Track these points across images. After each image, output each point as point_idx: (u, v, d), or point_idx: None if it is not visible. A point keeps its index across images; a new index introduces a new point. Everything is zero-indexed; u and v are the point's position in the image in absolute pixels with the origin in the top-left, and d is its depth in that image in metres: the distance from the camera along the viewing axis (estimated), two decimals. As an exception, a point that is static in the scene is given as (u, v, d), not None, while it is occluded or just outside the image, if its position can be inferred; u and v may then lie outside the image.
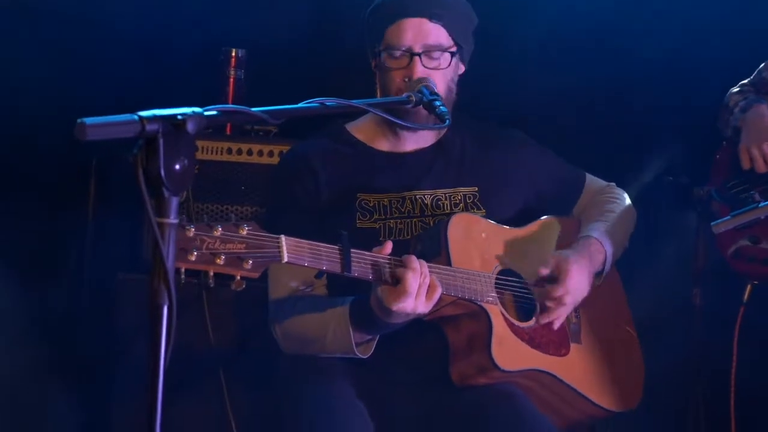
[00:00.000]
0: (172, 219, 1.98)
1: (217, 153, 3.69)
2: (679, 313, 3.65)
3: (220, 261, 2.34)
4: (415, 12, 2.88)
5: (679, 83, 3.99)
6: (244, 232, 2.37)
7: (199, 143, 3.65)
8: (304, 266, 2.52)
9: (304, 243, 2.51)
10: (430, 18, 2.88)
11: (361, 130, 3.01)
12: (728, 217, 3.30)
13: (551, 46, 4.09)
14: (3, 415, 3.72)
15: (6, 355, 3.64)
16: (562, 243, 3.00)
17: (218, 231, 2.34)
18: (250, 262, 2.37)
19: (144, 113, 1.94)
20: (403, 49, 2.87)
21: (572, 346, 2.93)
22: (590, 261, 2.91)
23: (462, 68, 2.98)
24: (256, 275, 2.40)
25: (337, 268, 2.56)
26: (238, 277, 2.38)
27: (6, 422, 3.72)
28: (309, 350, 2.80)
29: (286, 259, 2.46)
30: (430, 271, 2.63)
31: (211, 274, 2.34)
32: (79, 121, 1.86)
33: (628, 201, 3.15)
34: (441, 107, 2.69)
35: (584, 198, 3.13)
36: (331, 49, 4.08)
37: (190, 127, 1.98)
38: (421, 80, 2.79)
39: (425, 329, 2.77)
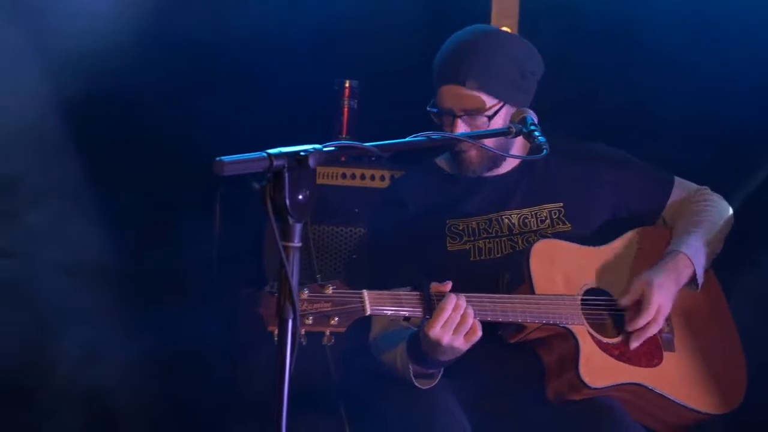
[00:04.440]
0: (296, 243, 2.25)
1: (332, 178, 3.94)
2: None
3: (309, 321, 2.58)
4: (451, 80, 3.11)
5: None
6: (329, 291, 2.61)
7: (317, 169, 3.88)
8: (387, 315, 2.75)
9: (386, 294, 2.73)
10: (466, 86, 3.08)
11: (447, 161, 3.26)
12: None
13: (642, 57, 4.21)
14: (136, 417, 3.98)
15: (139, 365, 3.92)
16: (650, 255, 3.12)
17: (305, 294, 2.57)
18: (336, 318, 2.60)
19: (272, 151, 2.21)
20: (446, 111, 3.12)
21: (665, 355, 3.05)
22: (677, 278, 3.05)
23: (524, 111, 3.02)
24: (342, 329, 2.62)
25: (418, 314, 2.79)
26: (327, 333, 2.61)
27: (138, 419, 3.99)
28: (400, 380, 2.99)
29: (369, 312, 2.68)
30: (504, 304, 2.84)
31: (303, 332, 2.56)
32: (217, 159, 2.14)
33: (721, 204, 3.24)
34: (539, 137, 2.87)
35: (674, 203, 3.24)
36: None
37: (311, 162, 2.24)
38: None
39: (522, 349, 2.98)
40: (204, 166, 4.03)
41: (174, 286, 3.98)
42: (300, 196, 2.23)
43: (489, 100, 3.10)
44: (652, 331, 3.00)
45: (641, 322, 2.98)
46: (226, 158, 2.15)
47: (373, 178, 3.96)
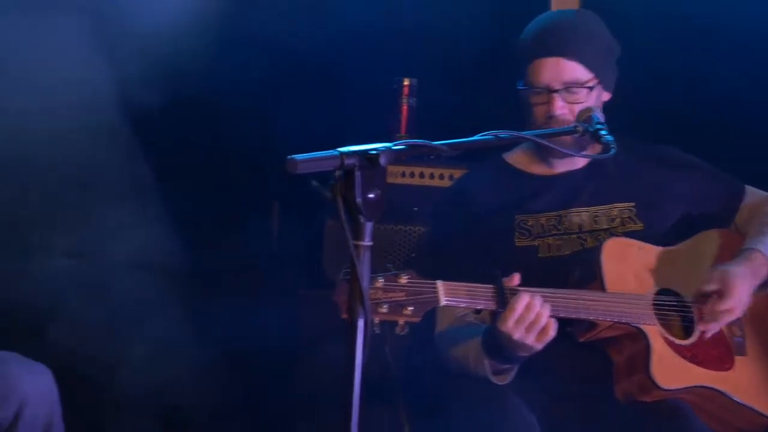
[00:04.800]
0: (367, 242, 2.22)
1: (392, 176, 3.93)
2: None
3: (384, 309, 2.55)
4: (552, 52, 3.04)
5: None
6: (404, 281, 2.58)
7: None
8: (461, 307, 2.74)
9: (460, 285, 2.70)
10: (567, 56, 3.04)
11: (516, 158, 3.22)
12: None
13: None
14: (202, 413, 4.00)
15: (206, 363, 3.93)
16: (722, 256, 3.07)
17: (380, 282, 2.55)
18: (410, 308, 2.57)
19: (343, 149, 2.19)
20: (542, 86, 3.04)
21: (736, 359, 3.01)
22: (753, 273, 2.99)
23: (606, 96, 3.13)
24: (417, 319, 2.59)
25: (492, 306, 2.75)
26: (401, 322, 2.59)
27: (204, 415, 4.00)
28: (468, 375, 2.97)
29: (443, 303, 2.65)
30: (577, 300, 2.80)
31: (377, 321, 2.55)
32: (289, 157, 2.13)
33: None
34: (606, 136, 2.83)
35: (745, 209, 3.19)
36: (495, 78, 4.24)
37: (382, 160, 2.22)
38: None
39: (591, 348, 2.94)
40: (261, 166, 4.11)
41: (238, 285, 3.99)
42: (371, 195, 2.20)
43: (587, 74, 3.06)
44: (728, 319, 2.95)
45: (726, 304, 2.92)
46: (298, 156, 2.13)
47: (432, 176, 3.94)
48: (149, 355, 3.84)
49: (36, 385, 3.00)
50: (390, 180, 3.91)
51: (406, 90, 4.04)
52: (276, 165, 4.13)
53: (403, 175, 3.94)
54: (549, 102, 3.04)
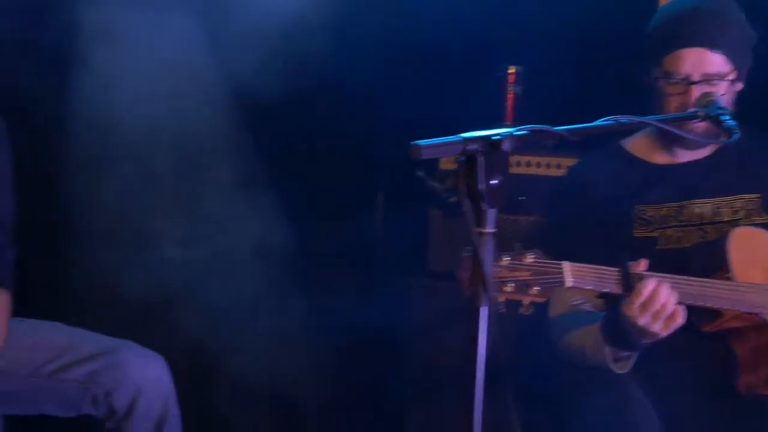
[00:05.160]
0: (490, 229, 2.21)
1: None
2: None
3: (509, 289, 2.52)
4: (695, 42, 2.96)
5: None
6: (529, 260, 2.54)
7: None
8: (587, 289, 2.67)
9: (586, 267, 2.64)
10: (711, 48, 2.96)
11: (635, 145, 3.15)
12: None
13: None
14: (320, 400, 4.01)
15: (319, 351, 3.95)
16: None
17: (506, 261, 2.52)
18: (536, 288, 2.53)
19: (466, 135, 2.17)
20: (681, 77, 2.97)
21: None
22: None
23: (740, 86, 3.05)
24: (542, 300, 2.55)
25: (618, 290, 2.69)
26: (526, 302, 2.54)
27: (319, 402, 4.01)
28: (582, 364, 2.94)
29: (569, 284, 2.60)
30: (705, 287, 2.75)
31: (502, 300, 2.52)
32: (412, 143, 2.11)
33: None
34: (729, 121, 2.78)
35: None
36: (597, 66, 4.19)
37: (505, 146, 2.20)
38: (708, 95, 2.88)
39: (713, 338, 2.87)
40: (368, 157, 4.12)
41: (345, 275, 4.00)
42: (494, 181, 2.19)
43: (729, 66, 2.99)
44: None
45: None
46: (422, 142, 2.12)
47: (539, 165, 3.89)
48: (264, 343, 3.87)
49: (151, 374, 3.04)
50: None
51: (511, 78, 4.00)
52: (381, 155, 4.16)
53: (509, 164, 3.89)
54: (686, 93, 2.96)
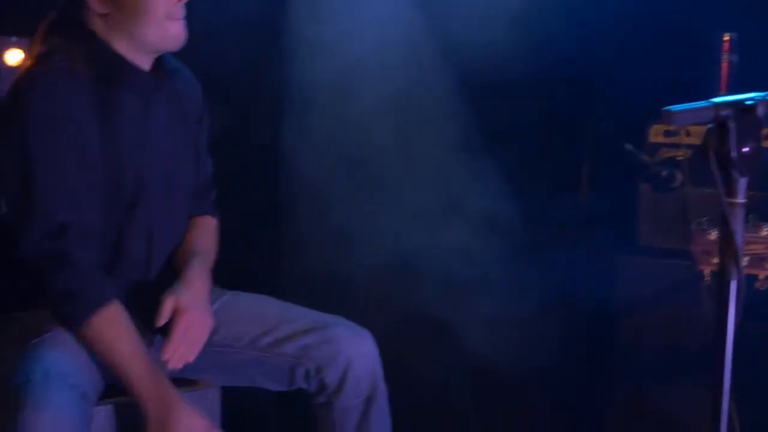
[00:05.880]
0: (741, 199, 2.11)
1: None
2: None
3: (744, 263, 2.40)
4: None
5: None
6: (765, 233, 2.45)
7: (693, 129, 3.73)
8: None
9: None
10: None
11: None
12: None
13: None
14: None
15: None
16: None
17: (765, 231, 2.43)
18: None
19: (717, 99, 2.07)
20: None
21: None
22: None
23: None
24: None
25: None
26: (761, 277, 2.45)
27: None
28: None
29: None
30: None
31: None
32: (664, 109, 2.03)
33: None
34: None
35: None
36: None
37: (760, 111, 2.09)
38: None
39: None
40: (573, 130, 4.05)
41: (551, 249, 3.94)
42: (746, 148, 2.09)
43: None
44: None
45: None
46: (673, 108, 2.04)
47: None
48: (486, 316, 3.83)
49: (361, 349, 3.03)
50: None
51: (726, 46, 3.85)
52: (589, 129, 4.06)
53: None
54: None
